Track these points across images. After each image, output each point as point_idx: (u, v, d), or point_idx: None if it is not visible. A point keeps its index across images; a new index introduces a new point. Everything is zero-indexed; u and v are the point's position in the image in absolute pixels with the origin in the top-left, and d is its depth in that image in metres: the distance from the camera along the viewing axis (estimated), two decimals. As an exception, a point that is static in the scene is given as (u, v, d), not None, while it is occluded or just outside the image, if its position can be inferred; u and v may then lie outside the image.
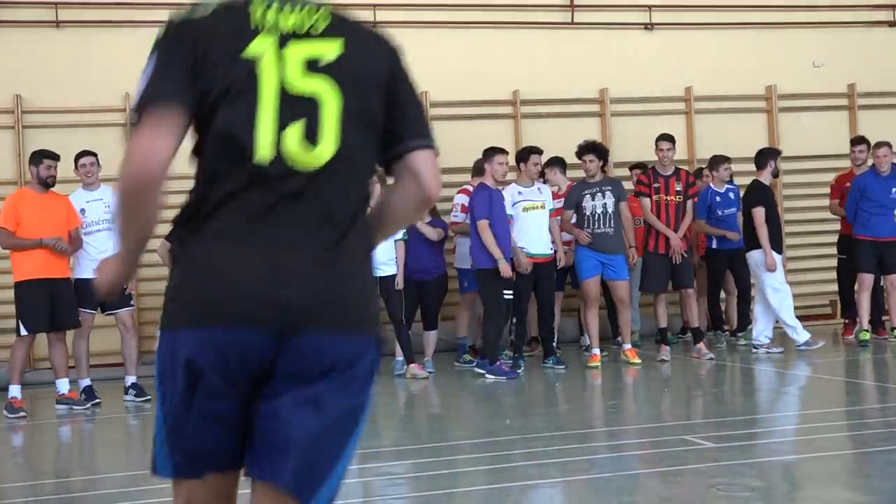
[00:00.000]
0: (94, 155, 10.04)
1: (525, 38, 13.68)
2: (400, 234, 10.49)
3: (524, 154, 10.76)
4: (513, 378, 10.02)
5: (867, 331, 11.37)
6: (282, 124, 2.60)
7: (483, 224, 10.04)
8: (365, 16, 11.70)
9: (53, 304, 9.30)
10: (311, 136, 2.61)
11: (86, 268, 9.52)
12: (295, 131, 2.60)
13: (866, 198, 11.42)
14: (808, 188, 14.08)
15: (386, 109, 2.75)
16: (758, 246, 11.12)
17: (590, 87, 13.80)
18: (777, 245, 11.24)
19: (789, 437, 7.36)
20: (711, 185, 11.95)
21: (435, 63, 12.94)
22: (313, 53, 2.68)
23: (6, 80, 12.14)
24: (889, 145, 11.67)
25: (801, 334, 11.06)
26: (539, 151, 10.85)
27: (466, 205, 10.62)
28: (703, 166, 12.50)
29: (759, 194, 11.27)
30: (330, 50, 2.70)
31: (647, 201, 11.03)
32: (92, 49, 12.45)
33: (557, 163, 11.91)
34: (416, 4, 13.34)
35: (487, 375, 10.07)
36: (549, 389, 10.02)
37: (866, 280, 11.42)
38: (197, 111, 2.61)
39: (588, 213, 10.70)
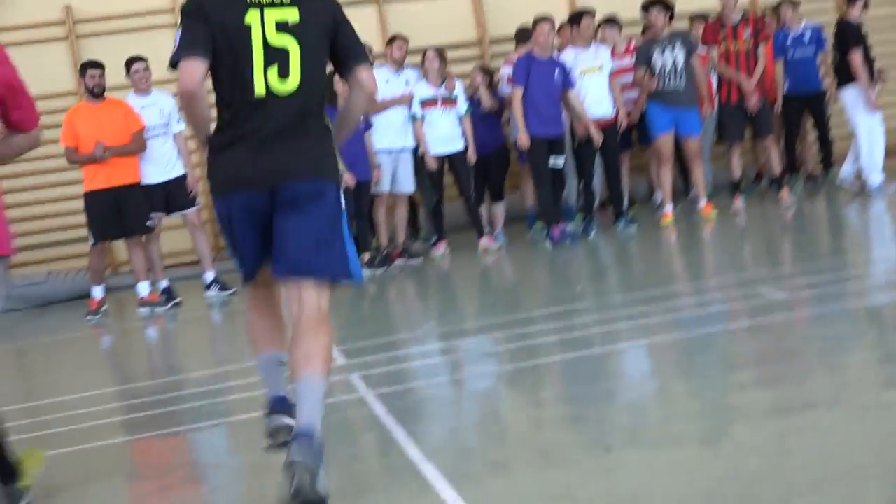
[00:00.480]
0: (145, 60, 9.96)
1: None
2: (464, 108, 10.37)
3: (577, 16, 10.47)
4: (561, 243, 9.96)
5: None
6: (266, 66, 4.01)
7: (516, 94, 9.99)
8: None
9: (121, 211, 9.42)
10: (284, 74, 4.04)
11: (146, 172, 9.61)
12: (273, 71, 4.02)
13: None
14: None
15: (334, 44, 4.16)
16: (848, 83, 10.62)
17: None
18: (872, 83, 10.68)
19: (874, 279, 7.15)
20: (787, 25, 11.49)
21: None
22: (281, 18, 4.04)
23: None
24: None
25: (875, 177, 10.63)
26: (592, 13, 10.54)
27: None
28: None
29: (852, 33, 10.63)
30: (292, 14, 4.05)
31: (714, 51, 10.68)
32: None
33: (611, 22, 11.56)
34: None
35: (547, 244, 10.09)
36: (622, 251, 9.93)
37: None
38: (213, 59, 4.01)
39: (658, 68, 10.41)
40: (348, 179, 9.46)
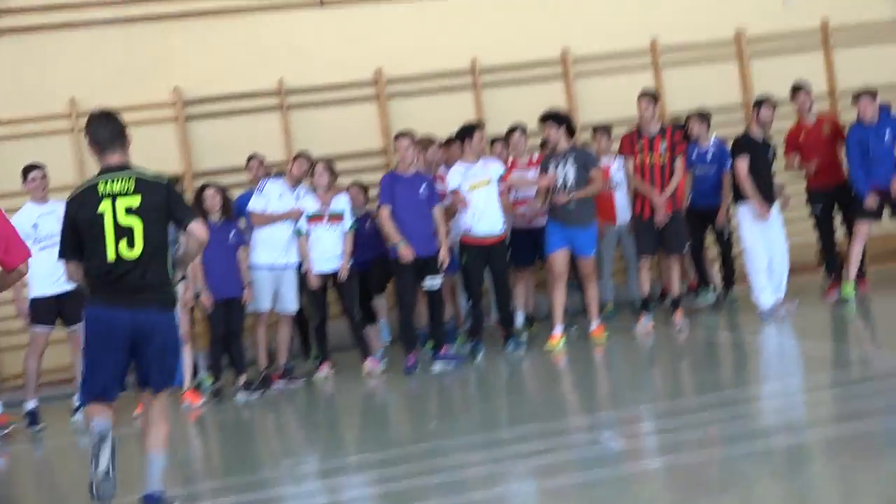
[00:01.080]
0: (42, 167, 9.79)
1: (481, 4, 13.20)
2: (349, 223, 10.19)
3: (468, 131, 10.35)
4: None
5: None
6: (117, 240, 5.77)
7: (382, 213, 9.96)
8: None
9: None
10: (131, 244, 5.78)
11: (40, 284, 9.37)
12: (123, 243, 5.77)
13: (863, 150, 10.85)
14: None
15: (168, 214, 5.90)
16: (743, 199, 10.61)
17: (551, 49, 13.32)
18: (766, 196, 10.61)
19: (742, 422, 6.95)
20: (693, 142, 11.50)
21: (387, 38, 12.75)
22: (128, 204, 5.80)
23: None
24: (870, 93, 11.00)
25: (764, 298, 10.54)
26: (481, 126, 10.47)
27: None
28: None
29: (738, 146, 10.69)
30: (136, 201, 5.81)
31: (630, 163, 10.60)
32: (34, 56, 12.14)
33: (520, 129, 11.51)
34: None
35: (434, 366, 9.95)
36: (497, 379, 9.67)
37: (865, 229, 10.93)
38: (79, 241, 5.84)
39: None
40: (205, 300, 9.42)
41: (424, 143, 10.83)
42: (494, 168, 10.38)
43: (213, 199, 9.75)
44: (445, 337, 10.19)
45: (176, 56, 12.39)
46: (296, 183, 10.34)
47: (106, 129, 5.92)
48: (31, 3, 12.12)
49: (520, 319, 11.20)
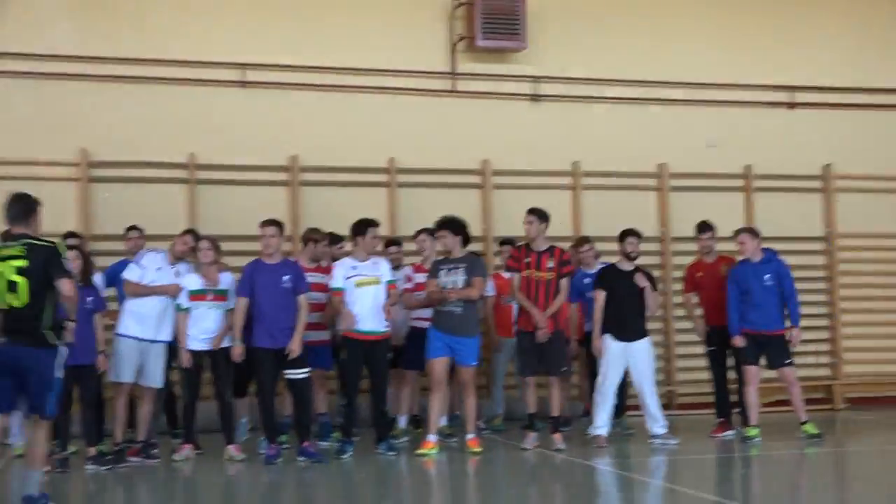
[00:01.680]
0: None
1: (404, 103, 13.19)
2: (232, 303, 9.86)
3: (361, 227, 10.16)
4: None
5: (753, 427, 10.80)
6: (9, 292, 7.26)
7: (238, 306, 9.72)
8: (230, 74, 11.48)
9: None
10: (18, 296, 7.26)
11: None
12: (12, 295, 7.26)
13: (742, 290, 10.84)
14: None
15: (46, 272, 7.28)
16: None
17: (472, 158, 13.30)
18: (624, 328, 10.58)
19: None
20: (581, 266, 11.45)
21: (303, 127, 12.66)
22: (17, 265, 7.28)
23: None
24: (749, 231, 11.08)
25: (598, 428, 10.52)
26: (376, 224, 10.27)
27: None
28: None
29: (601, 277, 10.84)
30: (24, 262, 7.28)
31: (516, 277, 10.41)
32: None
33: (428, 232, 11.38)
34: (289, 66, 12.83)
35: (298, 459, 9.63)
36: (350, 481, 9.19)
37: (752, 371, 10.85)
38: None
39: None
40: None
41: (315, 236, 10.67)
42: (384, 268, 10.17)
43: (73, 263, 9.41)
44: (307, 430, 9.80)
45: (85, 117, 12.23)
46: (177, 258, 10.07)
47: (15, 207, 7.53)
48: None
49: (402, 422, 10.94)
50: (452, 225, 10.30)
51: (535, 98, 13.61)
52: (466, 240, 10.39)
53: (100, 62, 12.24)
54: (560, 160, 13.52)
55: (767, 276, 10.80)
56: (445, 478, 9.48)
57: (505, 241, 11.96)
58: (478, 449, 10.04)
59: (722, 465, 10.10)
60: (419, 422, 11.16)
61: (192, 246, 10.04)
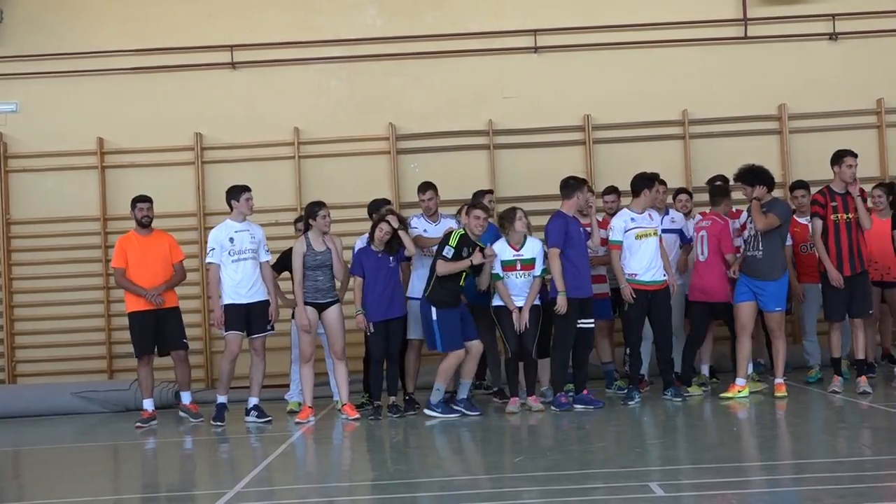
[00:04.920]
0: (250, 190, 10.59)
1: (695, 54, 13.23)
2: None
3: (647, 181, 10.36)
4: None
5: None
6: None
7: (552, 252, 9.92)
8: (524, 41, 12.39)
9: (159, 331, 10.52)
10: None
11: (230, 293, 10.24)
12: None
13: None
14: None
15: None
16: None
17: (767, 103, 13.14)
18: None
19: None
20: None
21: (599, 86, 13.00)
22: None
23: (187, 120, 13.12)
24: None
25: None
26: (657, 178, 10.44)
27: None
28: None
29: None
30: None
31: (818, 223, 10.20)
32: (266, 88, 13.22)
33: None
34: (579, 28, 13.20)
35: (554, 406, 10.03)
36: (635, 425, 9.45)
37: None
38: None
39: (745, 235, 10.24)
40: None
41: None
42: (658, 219, 10.40)
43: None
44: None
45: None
46: None
47: None
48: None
49: (704, 370, 11.06)
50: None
51: (834, 37, 13.22)
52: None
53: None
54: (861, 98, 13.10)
55: None
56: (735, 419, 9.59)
57: (797, 185, 11.66)
58: (782, 393, 10.06)
59: None
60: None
61: None
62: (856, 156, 10.23)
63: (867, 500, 5.92)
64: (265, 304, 10.31)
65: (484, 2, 13.28)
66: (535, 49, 13.17)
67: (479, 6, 13.26)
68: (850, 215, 10.11)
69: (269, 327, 10.41)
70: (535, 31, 13.16)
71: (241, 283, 10.20)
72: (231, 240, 10.26)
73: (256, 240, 10.34)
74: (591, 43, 13.17)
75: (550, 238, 9.96)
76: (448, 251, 9.80)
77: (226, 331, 10.26)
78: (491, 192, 11.56)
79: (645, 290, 10.11)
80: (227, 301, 10.23)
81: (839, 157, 10.20)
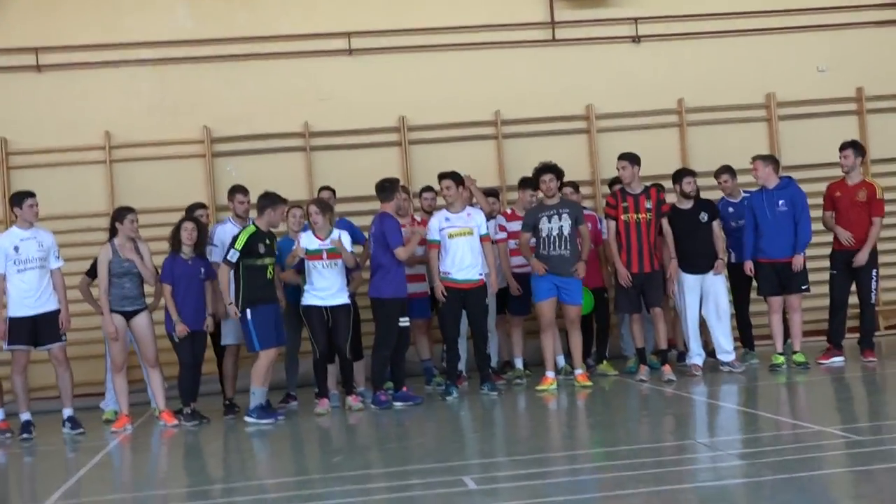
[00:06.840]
0: (34, 196, 10.17)
1: (505, 57, 13.54)
2: None
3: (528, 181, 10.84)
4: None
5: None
6: None
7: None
8: (338, 44, 12.06)
9: None
10: None
11: (16, 304, 9.87)
12: None
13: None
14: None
15: None
16: None
17: (575, 104, 13.57)
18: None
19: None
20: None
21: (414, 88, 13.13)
22: None
23: None
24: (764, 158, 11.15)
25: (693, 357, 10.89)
26: (453, 177, 10.63)
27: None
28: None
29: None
30: None
31: (612, 224, 10.73)
32: (74, 91, 12.87)
33: (528, 184, 11.75)
34: (392, 31, 13.34)
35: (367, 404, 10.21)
36: (454, 419, 9.69)
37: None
38: None
39: (544, 234, 10.47)
40: None
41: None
42: (478, 219, 10.51)
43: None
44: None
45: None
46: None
47: None
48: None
49: (518, 364, 11.43)
50: (555, 169, 10.55)
51: (636, 40, 13.75)
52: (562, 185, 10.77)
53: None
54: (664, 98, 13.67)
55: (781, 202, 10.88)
56: (546, 410, 9.88)
57: (613, 182, 12.09)
58: (587, 383, 10.45)
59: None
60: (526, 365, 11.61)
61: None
62: (629, 157, 10.72)
63: (666, 484, 6.23)
64: (56, 313, 10.00)
65: (297, 4, 13.29)
66: (350, 51, 13.25)
67: (292, 8, 13.27)
68: (641, 215, 10.62)
69: (62, 337, 10.10)
70: (348, 34, 13.24)
71: (27, 293, 9.86)
72: (16, 248, 9.93)
73: (45, 247, 10.01)
74: (404, 45, 13.34)
75: (393, 239, 10.10)
76: (233, 254, 9.74)
77: (7, 345, 9.92)
78: (329, 188, 11.49)
79: (459, 289, 10.32)
80: (11, 314, 9.89)
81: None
